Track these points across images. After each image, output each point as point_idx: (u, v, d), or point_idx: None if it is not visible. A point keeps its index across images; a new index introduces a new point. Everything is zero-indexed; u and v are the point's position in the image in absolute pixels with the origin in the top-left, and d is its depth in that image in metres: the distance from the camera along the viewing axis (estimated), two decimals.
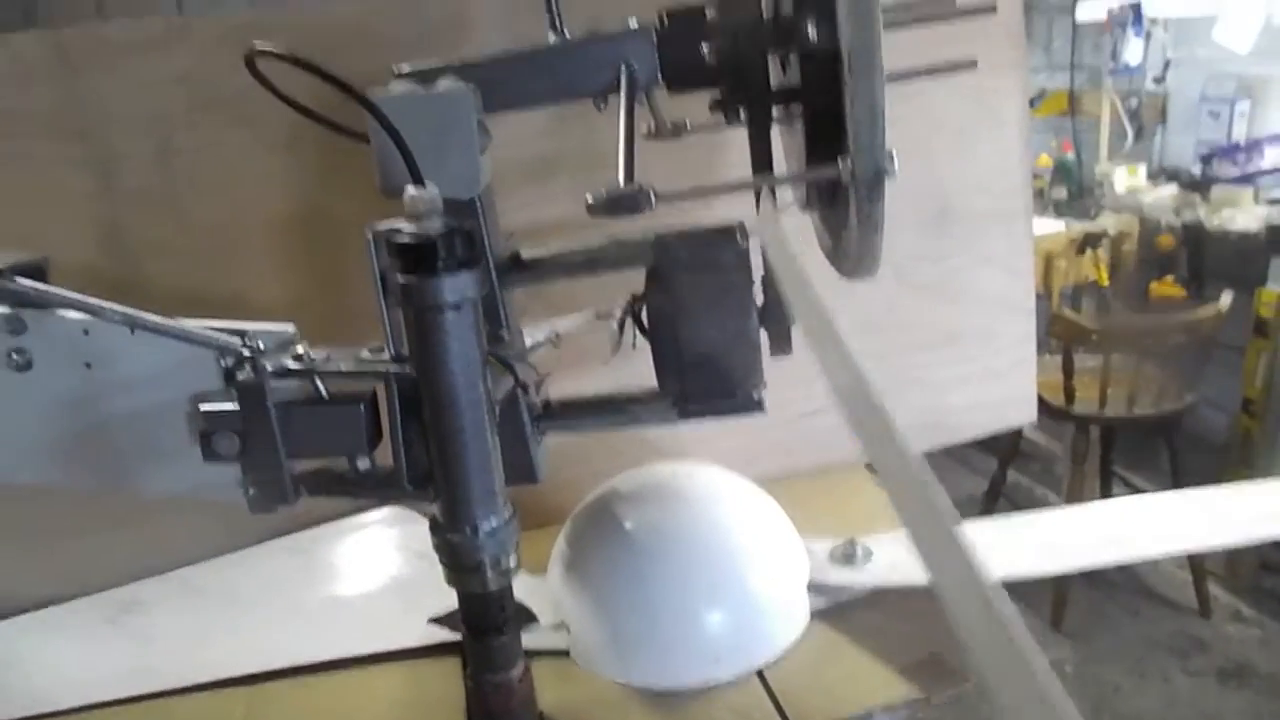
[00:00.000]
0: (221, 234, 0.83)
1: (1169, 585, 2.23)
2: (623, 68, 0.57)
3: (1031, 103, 3.01)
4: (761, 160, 0.57)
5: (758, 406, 0.64)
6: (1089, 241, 2.52)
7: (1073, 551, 0.74)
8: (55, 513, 0.81)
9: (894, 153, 0.46)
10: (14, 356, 0.58)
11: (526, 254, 0.65)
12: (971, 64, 0.58)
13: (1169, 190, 2.60)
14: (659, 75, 0.58)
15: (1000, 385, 1.09)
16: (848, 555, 0.82)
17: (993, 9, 0.55)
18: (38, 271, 0.57)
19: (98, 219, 0.81)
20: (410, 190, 0.51)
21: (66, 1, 4.49)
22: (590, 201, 0.50)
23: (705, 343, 0.62)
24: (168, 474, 0.61)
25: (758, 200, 0.58)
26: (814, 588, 0.78)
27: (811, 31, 0.51)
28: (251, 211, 0.84)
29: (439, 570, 0.60)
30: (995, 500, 2.41)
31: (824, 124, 0.52)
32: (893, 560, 0.81)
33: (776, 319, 0.63)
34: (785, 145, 0.69)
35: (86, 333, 0.58)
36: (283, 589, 0.83)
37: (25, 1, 4.32)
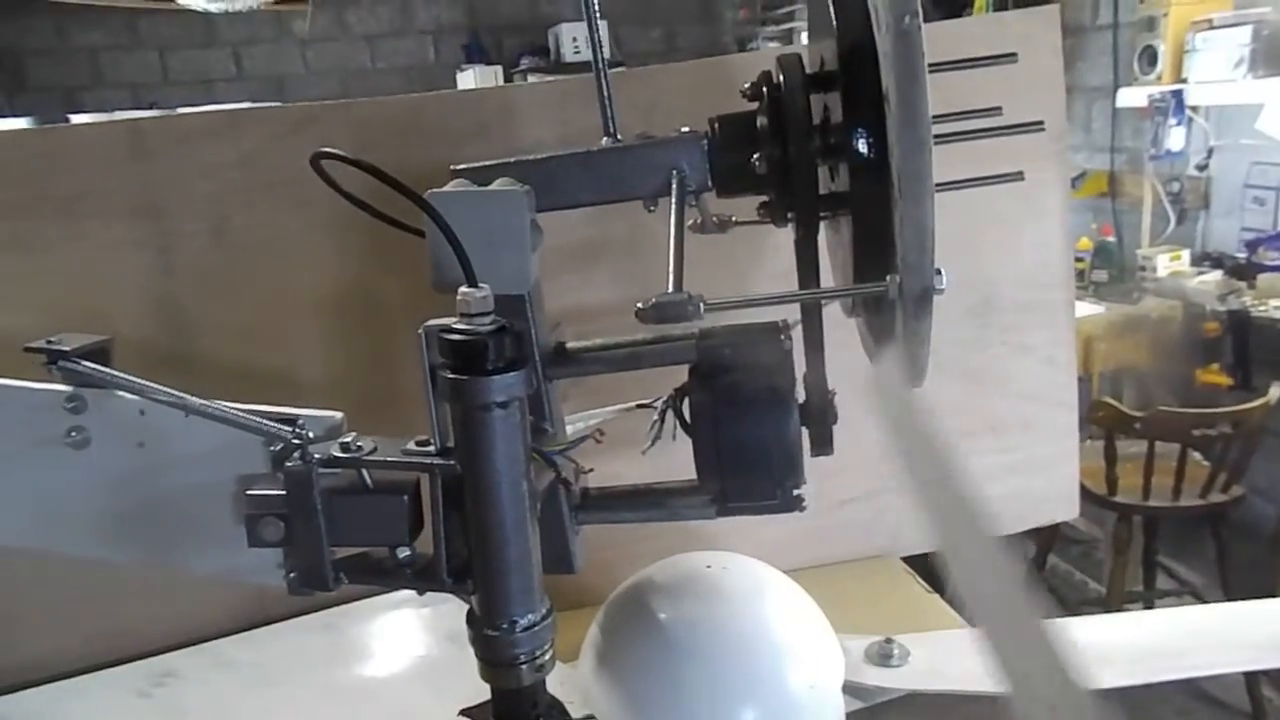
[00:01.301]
0: (273, 311, 0.86)
1: (1220, 687, 2.14)
2: (674, 173, 0.59)
3: (1072, 183, 3.02)
4: (808, 266, 0.58)
5: (797, 505, 0.64)
6: (1131, 326, 2.49)
7: (1121, 665, 0.71)
8: (88, 580, 0.82)
9: (942, 271, 0.46)
10: (73, 434, 0.59)
11: (571, 345, 0.65)
12: (1019, 176, 0.59)
13: (1213, 276, 2.58)
14: (709, 180, 0.60)
15: (1041, 478, 1.08)
16: (884, 655, 0.80)
17: (1041, 127, 0.55)
18: (101, 353, 0.59)
19: (156, 295, 0.84)
20: (463, 289, 0.52)
21: (135, 66, 4.72)
22: (640, 308, 0.50)
23: (746, 442, 0.62)
24: (211, 554, 0.61)
25: (803, 309, 0.58)
26: (849, 689, 0.76)
27: (862, 145, 0.52)
28: (303, 290, 0.86)
29: (469, 653, 0.59)
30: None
31: (872, 232, 0.52)
32: (931, 663, 0.79)
33: (818, 418, 0.63)
34: (830, 241, 0.69)
35: (142, 413, 0.59)
36: (314, 667, 0.83)
37: (93, 65, 4.55)
